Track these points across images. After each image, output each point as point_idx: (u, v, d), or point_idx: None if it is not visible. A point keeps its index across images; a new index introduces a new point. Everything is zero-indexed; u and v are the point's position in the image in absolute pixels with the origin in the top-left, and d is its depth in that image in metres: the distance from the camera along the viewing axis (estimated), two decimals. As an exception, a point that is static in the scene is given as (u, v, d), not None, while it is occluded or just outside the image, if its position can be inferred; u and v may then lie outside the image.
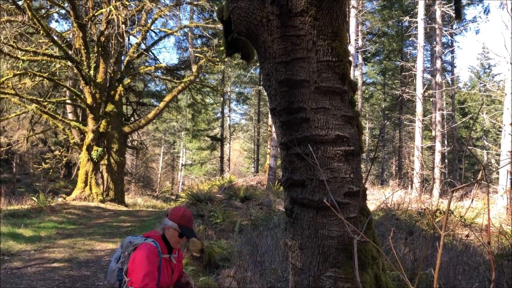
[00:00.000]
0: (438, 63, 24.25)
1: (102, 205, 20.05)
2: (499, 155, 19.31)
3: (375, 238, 4.15)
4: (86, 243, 11.18)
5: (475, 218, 11.13)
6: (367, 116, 40.54)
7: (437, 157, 21.64)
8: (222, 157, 37.61)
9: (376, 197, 15.51)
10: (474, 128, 33.28)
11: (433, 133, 23.68)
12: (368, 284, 4.29)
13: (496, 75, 44.86)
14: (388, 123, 39.52)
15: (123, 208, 20.99)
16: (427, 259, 6.34)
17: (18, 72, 19.25)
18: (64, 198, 20.30)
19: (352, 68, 25.50)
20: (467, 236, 8.30)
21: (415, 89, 23.86)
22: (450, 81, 36.51)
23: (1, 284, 7.26)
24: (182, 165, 45.95)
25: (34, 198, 17.22)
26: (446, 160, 31.48)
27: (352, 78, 5.09)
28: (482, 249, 8.19)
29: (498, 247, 7.36)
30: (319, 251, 4.43)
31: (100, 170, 22.19)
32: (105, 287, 7.46)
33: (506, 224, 11.68)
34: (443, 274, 6.04)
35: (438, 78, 23.94)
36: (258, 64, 26.96)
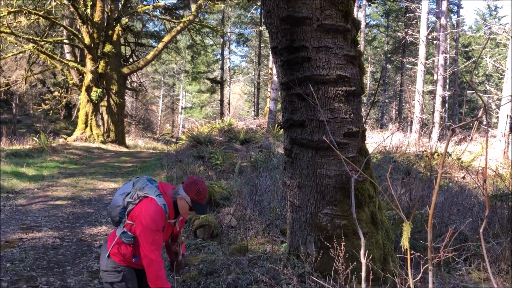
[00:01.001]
0: (444, 4, 23.54)
1: (103, 146, 20.21)
2: (500, 99, 19.22)
3: (373, 178, 4.21)
4: (88, 182, 11.38)
5: (472, 161, 11.26)
6: (369, 59, 39.94)
7: (438, 101, 21.52)
8: (222, 100, 37.44)
9: (375, 141, 15.59)
10: (477, 72, 32.87)
11: (435, 77, 23.43)
12: (364, 222, 4.41)
13: (502, 17, 43.66)
14: (390, 66, 39.00)
15: (124, 149, 21.17)
16: (423, 199, 6.47)
17: (13, 10, 18.72)
18: (65, 139, 20.42)
19: (355, 9, 24.80)
20: (463, 177, 8.43)
21: (418, 32, 23.32)
22: (455, 24, 35.63)
23: (7, 220, 7.46)
24: (182, 108, 45.84)
25: (35, 139, 17.33)
26: (446, 105, 31.38)
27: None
28: (477, 191, 8.35)
29: (493, 189, 7.49)
30: (317, 189, 4.52)
31: (100, 112, 22.16)
32: (108, 223, 7.68)
33: (502, 167, 11.84)
34: (438, 214, 6.20)
35: (443, 20, 23.34)
36: (259, 3, 26.14)
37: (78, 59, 24.25)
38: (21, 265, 5.52)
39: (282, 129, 5.19)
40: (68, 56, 23.93)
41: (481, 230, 2.75)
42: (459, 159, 6.72)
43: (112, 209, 3.27)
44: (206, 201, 3.25)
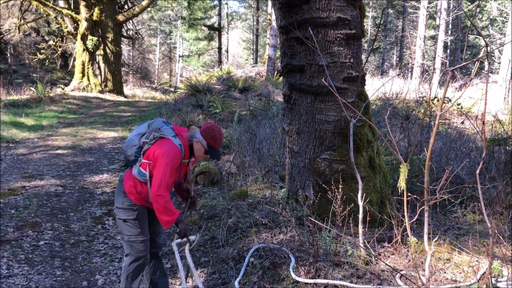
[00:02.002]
0: None
1: (101, 95, 20.07)
2: (502, 45, 18.89)
3: (371, 122, 4.21)
4: (88, 132, 11.39)
5: (472, 107, 11.22)
6: (370, 3, 38.83)
7: (440, 46, 21.14)
8: (220, 48, 36.76)
9: (376, 87, 15.44)
10: (480, 16, 32.05)
11: (437, 22, 22.89)
12: (362, 166, 4.45)
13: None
14: (391, 11, 38.01)
15: (122, 99, 21.05)
16: (421, 144, 6.50)
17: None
18: (63, 89, 20.25)
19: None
20: (462, 123, 8.44)
21: (422, -26, 22.51)
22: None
23: (9, 169, 7.52)
24: (179, 56, 45.10)
25: (33, 89, 17.17)
26: (448, 50, 30.87)
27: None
28: (476, 137, 8.37)
29: (492, 135, 7.51)
30: (316, 135, 4.53)
31: (97, 61, 21.82)
32: (109, 172, 7.76)
33: (502, 113, 11.82)
34: (436, 159, 6.25)
35: (448, -39, 22.50)
36: None
37: (72, 6, 23.58)
38: (25, 211, 5.62)
39: (281, 76, 5.13)
40: (61, 3, 23.20)
41: (477, 172, 2.77)
42: (458, 104, 6.69)
43: (128, 148, 3.33)
44: (221, 147, 3.39)
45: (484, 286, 2.83)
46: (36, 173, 7.34)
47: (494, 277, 3.07)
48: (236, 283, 3.63)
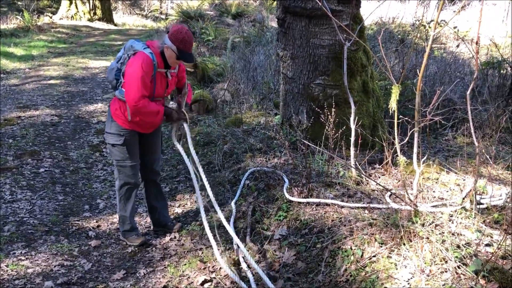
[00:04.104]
0: None
1: (90, 24, 19.48)
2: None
3: (366, 45, 4.17)
4: (80, 61, 11.21)
5: (470, 31, 11.02)
6: None
7: (440, -32, 20.32)
8: (212, -28, 35.19)
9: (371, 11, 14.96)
10: None
11: None
12: (356, 90, 4.47)
13: None
14: None
15: (113, 27, 20.46)
16: (415, 69, 6.47)
17: None
18: (51, 17, 19.58)
19: None
20: (457, 46, 8.35)
21: None
22: None
23: (3, 99, 7.49)
24: (169, -19, 43.24)
25: (19, 17, 16.59)
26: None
27: None
28: (471, 61, 8.32)
29: (487, 58, 7.45)
30: (310, 60, 4.50)
31: (84, -13, 20.93)
32: (103, 101, 7.75)
33: (500, 36, 11.63)
34: (429, 83, 6.26)
35: None
36: None
37: None
38: (23, 141, 5.69)
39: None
40: None
41: (468, 92, 2.81)
42: (454, 27, 6.58)
43: (109, 73, 3.41)
44: (193, 49, 3.32)
45: (469, 201, 2.97)
46: (31, 103, 7.33)
47: (479, 194, 3.21)
48: (232, 203, 3.79)
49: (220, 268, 3.06)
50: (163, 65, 3.28)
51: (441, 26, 4.55)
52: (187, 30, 3.22)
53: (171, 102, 3.48)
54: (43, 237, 3.69)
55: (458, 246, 2.62)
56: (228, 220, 3.46)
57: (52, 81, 8.98)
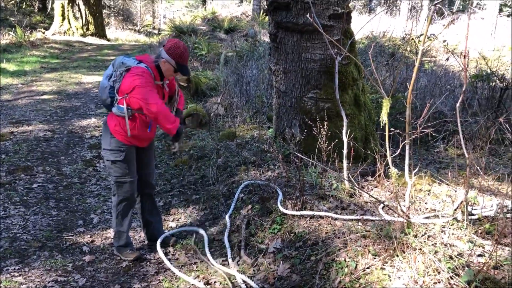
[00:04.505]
0: None
1: (83, 39, 19.54)
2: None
3: (357, 60, 4.24)
4: (73, 76, 11.22)
5: (459, 44, 11.21)
6: None
7: (429, -17, 20.68)
8: (204, -13, 35.51)
9: (363, 26, 15.13)
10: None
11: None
12: (348, 104, 4.53)
13: None
14: None
15: (105, 42, 20.53)
16: (406, 82, 6.56)
17: None
18: (43, 33, 19.62)
19: None
20: (447, 59, 8.48)
21: None
22: None
23: (-5, 115, 7.47)
24: (162, -4, 43.55)
25: (12, 33, 16.61)
26: (437, -13, 30.21)
27: None
28: (461, 74, 8.45)
29: (477, 71, 7.57)
30: (302, 74, 4.56)
31: (77, 3, 20.99)
32: (97, 116, 7.76)
33: (488, 50, 11.84)
34: (420, 96, 6.34)
35: None
36: None
37: None
38: (16, 156, 5.67)
39: (267, 15, 5.06)
40: None
41: (457, 105, 2.87)
42: (444, 41, 6.69)
43: (102, 92, 3.39)
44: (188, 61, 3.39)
45: (460, 212, 3.01)
46: (23, 119, 7.32)
47: (470, 205, 3.25)
48: (226, 217, 3.80)
49: (215, 282, 3.07)
50: (159, 77, 3.34)
51: (430, 39, 4.64)
52: (184, 44, 3.31)
53: None
54: (36, 252, 3.67)
55: (451, 257, 2.65)
56: (222, 234, 3.47)
57: (45, 96, 8.98)
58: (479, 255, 2.68)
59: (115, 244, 3.65)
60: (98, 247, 3.84)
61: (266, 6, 5.11)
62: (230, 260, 3.22)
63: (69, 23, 20.19)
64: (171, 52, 3.24)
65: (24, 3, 24.15)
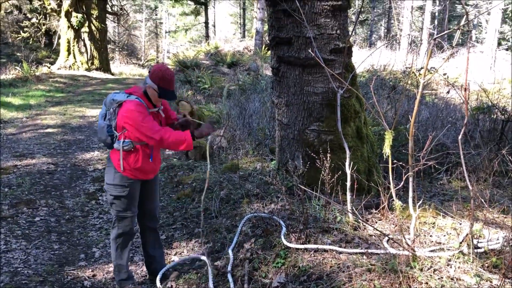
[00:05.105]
0: None
1: (88, 73, 19.86)
2: (489, 14, 18.90)
3: (358, 93, 4.29)
4: (77, 110, 11.34)
5: (459, 77, 11.35)
6: (358, -25, 38.41)
7: (427, 17, 21.13)
8: (207, 23, 36.29)
9: (364, 60, 15.37)
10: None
11: (425, -8, 22.79)
12: (350, 136, 4.55)
13: None
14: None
15: (110, 76, 20.86)
16: (408, 114, 6.61)
17: None
18: (49, 67, 19.96)
19: None
20: (448, 92, 8.56)
21: None
22: None
23: (0, 148, 7.52)
24: (165, 32, 44.49)
25: (18, 68, 16.92)
26: (436, 21, 30.84)
27: None
28: (462, 106, 8.52)
29: (477, 103, 7.65)
30: (304, 107, 4.60)
31: (82, 38, 21.47)
32: (100, 149, 7.79)
33: (488, 82, 11.96)
34: (422, 129, 6.38)
35: None
36: None
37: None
38: (19, 189, 5.68)
39: (270, 49, 5.16)
40: (42, -21, 22.69)
41: (459, 137, 2.88)
42: (444, 74, 6.79)
43: (100, 133, 3.40)
44: (175, 87, 3.36)
45: (466, 245, 2.97)
46: (27, 152, 7.36)
47: (475, 238, 3.21)
48: (229, 250, 3.76)
49: (218, 317, 3.01)
50: (151, 105, 3.32)
51: (431, 73, 4.70)
52: (167, 68, 3.28)
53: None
54: (37, 287, 3.62)
55: (458, 291, 2.60)
56: (225, 268, 3.42)
57: (49, 130, 9.06)
58: (486, 289, 2.64)
59: (116, 279, 3.60)
60: (99, 282, 3.79)
61: (268, 41, 5.21)
62: (233, 295, 3.17)
63: (75, 57, 20.57)
64: (154, 76, 3.22)
65: (31, 39, 24.64)
